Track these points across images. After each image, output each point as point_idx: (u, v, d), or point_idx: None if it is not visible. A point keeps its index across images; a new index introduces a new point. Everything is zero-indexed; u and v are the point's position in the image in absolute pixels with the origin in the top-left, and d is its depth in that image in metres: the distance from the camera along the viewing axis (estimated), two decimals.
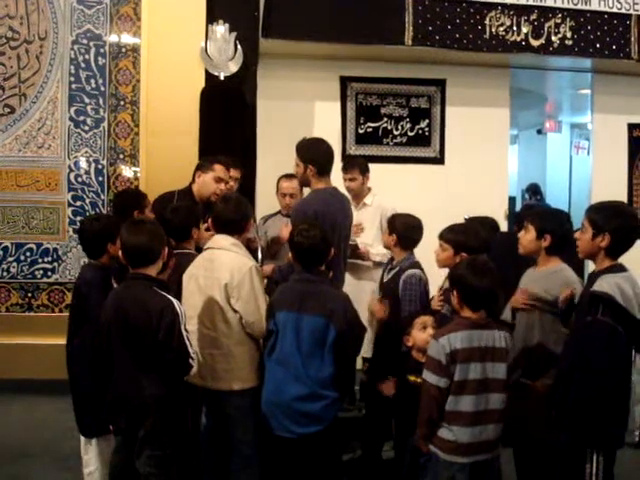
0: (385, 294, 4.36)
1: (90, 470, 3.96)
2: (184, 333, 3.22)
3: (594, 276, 3.21)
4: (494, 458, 3.28)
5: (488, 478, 3.28)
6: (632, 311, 3.04)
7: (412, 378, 3.67)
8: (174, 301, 3.26)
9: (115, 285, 3.81)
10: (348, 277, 4.74)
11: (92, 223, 4.05)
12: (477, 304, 3.24)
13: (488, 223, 4.58)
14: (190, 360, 3.25)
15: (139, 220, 3.56)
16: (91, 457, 3.95)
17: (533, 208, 8.64)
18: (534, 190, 10.33)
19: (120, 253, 3.43)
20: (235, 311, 3.64)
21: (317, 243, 3.58)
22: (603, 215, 3.21)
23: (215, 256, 3.71)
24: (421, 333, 3.74)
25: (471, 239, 3.92)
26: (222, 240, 3.75)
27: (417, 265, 4.27)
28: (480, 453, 3.21)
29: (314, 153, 4.29)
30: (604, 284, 3.09)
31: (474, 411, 3.17)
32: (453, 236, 3.94)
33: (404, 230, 4.29)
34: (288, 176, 5.16)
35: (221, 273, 3.64)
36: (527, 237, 3.74)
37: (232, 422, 3.73)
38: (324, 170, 4.28)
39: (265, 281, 4.09)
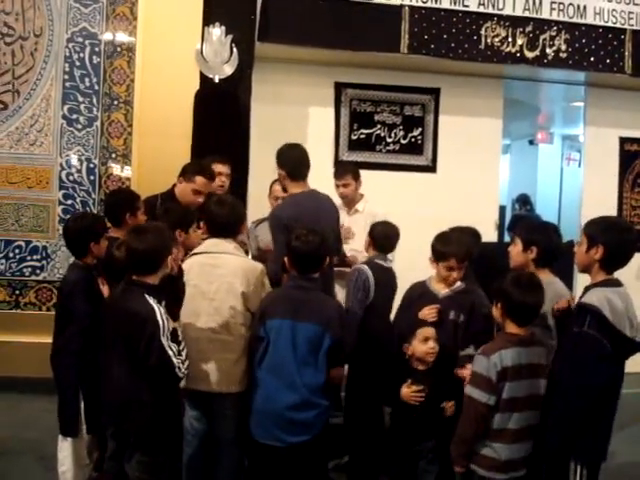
0: None
1: (63, 469, 3.95)
2: (165, 343, 3.15)
3: (587, 289, 3.23)
4: (523, 475, 3.29)
5: None
6: (620, 326, 3.05)
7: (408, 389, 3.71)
8: (157, 310, 3.18)
9: (101, 285, 3.82)
10: (336, 285, 4.73)
11: (76, 221, 4.04)
12: (522, 319, 3.25)
13: (471, 233, 4.58)
14: (176, 370, 3.18)
15: (144, 227, 3.47)
16: (65, 455, 3.94)
17: (523, 219, 8.68)
18: (524, 200, 10.37)
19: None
20: (252, 313, 3.67)
21: (315, 249, 3.58)
22: (597, 227, 3.24)
23: (220, 261, 3.69)
24: (422, 345, 3.74)
25: None
26: (224, 244, 3.74)
27: (371, 263, 4.35)
28: (517, 470, 3.24)
29: (285, 158, 4.38)
30: (593, 297, 3.11)
31: (518, 428, 3.18)
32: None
33: (383, 239, 4.42)
34: None
35: (234, 279, 3.64)
36: (515, 250, 3.77)
37: (229, 422, 3.72)
38: (296, 175, 4.35)
39: None
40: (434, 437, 3.62)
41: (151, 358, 3.14)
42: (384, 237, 4.46)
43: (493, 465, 3.20)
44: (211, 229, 3.81)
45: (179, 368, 3.19)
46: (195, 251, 3.82)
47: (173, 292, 3.43)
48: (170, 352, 3.16)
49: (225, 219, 3.77)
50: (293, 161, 4.38)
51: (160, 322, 3.16)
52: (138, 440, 3.29)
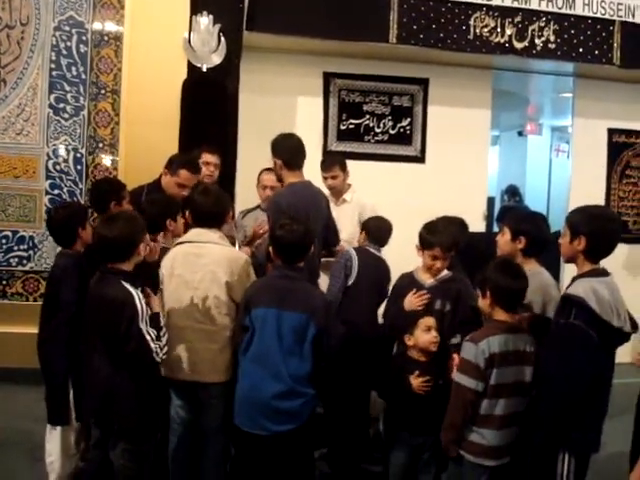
0: None
1: (51, 460, 3.96)
2: (144, 328, 3.18)
3: (574, 280, 3.22)
4: (511, 462, 3.32)
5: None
6: (607, 316, 3.03)
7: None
8: (135, 295, 3.21)
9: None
10: (323, 275, 4.74)
11: (58, 211, 4.06)
12: (510, 304, 3.29)
13: (458, 223, 4.59)
14: (154, 355, 3.20)
15: (114, 215, 3.50)
16: (53, 446, 3.95)
17: (512, 210, 8.68)
18: (513, 191, 10.37)
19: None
20: (236, 303, 3.67)
21: (299, 238, 3.57)
22: (579, 218, 3.23)
23: (204, 250, 3.68)
24: (424, 334, 3.75)
25: None
26: (209, 234, 3.73)
27: (359, 248, 4.53)
28: (505, 456, 3.28)
29: (280, 148, 4.40)
30: (579, 287, 3.10)
31: (505, 414, 3.21)
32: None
33: (379, 234, 4.55)
34: (270, 169, 5.16)
35: (217, 268, 3.64)
36: (503, 239, 3.75)
37: (214, 411, 3.73)
38: (292, 164, 4.37)
39: None
40: (435, 432, 3.63)
41: (130, 342, 3.16)
42: (378, 230, 4.54)
43: (482, 451, 3.24)
44: (196, 219, 3.81)
45: (157, 353, 3.21)
46: (179, 240, 3.82)
47: (149, 278, 3.46)
48: (148, 337, 3.18)
49: (210, 209, 3.76)
50: (290, 150, 4.40)
51: (139, 307, 3.19)
52: (121, 429, 3.30)
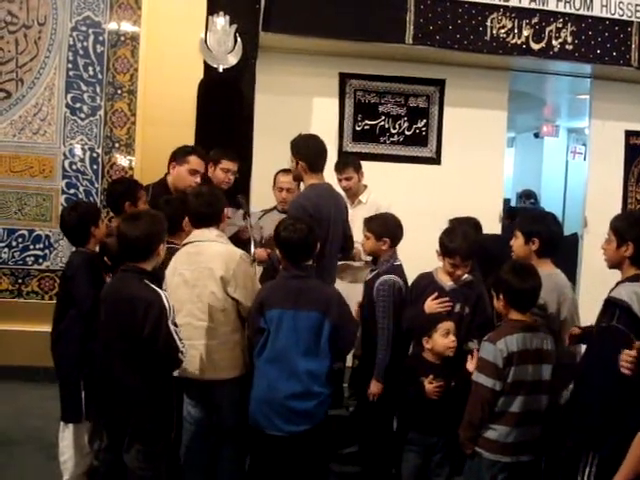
0: (365, 294, 4.30)
1: (65, 458, 3.97)
2: (172, 327, 3.16)
3: (618, 285, 3.19)
4: (536, 460, 3.34)
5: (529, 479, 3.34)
6: None
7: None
8: (162, 294, 3.20)
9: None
10: (340, 279, 4.72)
11: (70, 212, 4.06)
12: (524, 305, 3.32)
13: (472, 223, 4.55)
14: (179, 354, 3.20)
15: (138, 214, 3.49)
16: (66, 444, 3.96)
17: (518, 211, 8.60)
18: (527, 194, 10.30)
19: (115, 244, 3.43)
20: (233, 299, 3.67)
21: (304, 238, 3.56)
22: (626, 224, 3.21)
23: (202, 249, 3.71)
24: (443, 339, 3.74)
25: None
26: (206, 233, 3.76)
27: (395, 269, 4.15)
28: (524, 453, 3.29)
29: (304, 149, 4.36)
30: (622, 291, 3.08)
31: (522, 411, 3.24)
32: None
33: (394, 230, 4.22)
34: (286, 171, 5.14)
35: (213, 264, 3.65)
36: (517, 243, 3.78)
37: (225, 411, 3.75)
38: (314, 166, 4.33)
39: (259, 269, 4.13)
40: (449, 433, 3.62)
41: (158, 342, 3.14)
42: (397, 227, 4.25)
43: (497, 447, 3.25)
44: (193, 221, 3.85)
45: (182, 352, 3.22)
46: (184, 241, 3.86)
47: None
48: (176, 336, 3.17)
49: (203, 209, 3.79)
50: (314, 152, 4.37)
51: (167, 306, 3.17)
52: (136, 430, 3.28)
